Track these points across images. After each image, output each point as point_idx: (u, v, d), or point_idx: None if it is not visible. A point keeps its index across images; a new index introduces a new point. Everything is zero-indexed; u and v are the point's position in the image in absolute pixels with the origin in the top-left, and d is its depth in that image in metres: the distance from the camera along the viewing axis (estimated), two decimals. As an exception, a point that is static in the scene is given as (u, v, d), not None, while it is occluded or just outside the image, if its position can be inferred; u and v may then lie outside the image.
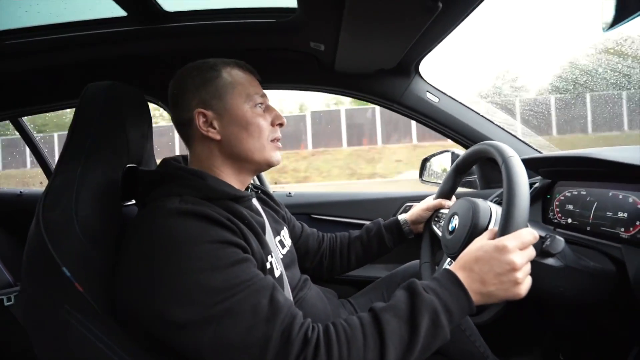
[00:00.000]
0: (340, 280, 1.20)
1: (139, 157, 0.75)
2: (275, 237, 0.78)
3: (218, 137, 0.67)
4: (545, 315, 1.04)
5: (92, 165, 0.64)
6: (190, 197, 0.59)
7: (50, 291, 0.56)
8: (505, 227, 0.57)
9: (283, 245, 0.81)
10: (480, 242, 0.59)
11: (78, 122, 0.67)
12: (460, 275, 0.56)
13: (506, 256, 0.54)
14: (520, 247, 0.55)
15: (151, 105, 0.95)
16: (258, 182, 1.45)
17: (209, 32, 0.90)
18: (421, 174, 1.38)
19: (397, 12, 0.66)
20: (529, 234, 0.56)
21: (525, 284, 0.55)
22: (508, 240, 0.55)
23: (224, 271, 0.51)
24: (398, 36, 0.75)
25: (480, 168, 1.22)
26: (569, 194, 0.85)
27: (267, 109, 0.72)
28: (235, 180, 0.71)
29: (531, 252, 0.57)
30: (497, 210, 0.72)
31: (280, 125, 0.73)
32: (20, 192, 1.53)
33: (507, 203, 0.58)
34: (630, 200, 0.69)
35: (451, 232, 0.76)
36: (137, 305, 0.52)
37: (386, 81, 1.08)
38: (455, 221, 0.77)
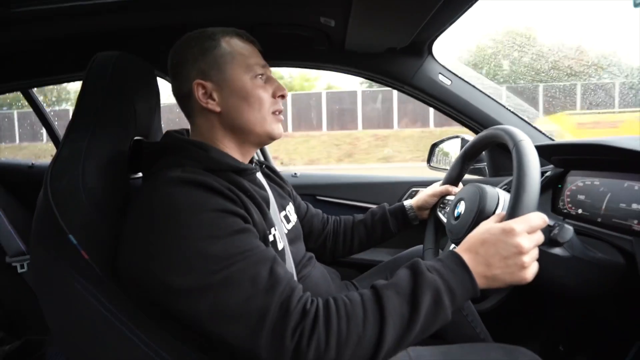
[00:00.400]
0: (344, 263, 1.21)
1: (146, 129, 0.75)
2: (280, 212, 0.78)
3: (218, 109, 0.66)
4: (548, 306, 1.03)
5: (99, 136, 0.64)
6: (192, 168, 0.59)
7: (58, 258, 0.57)
8: (514, 211, 0.56)
9: (288, 220, 0.81)
10: (487, 225, 0.57)
11: (86, 93, 0.67)
12: (465, 257, 0.54)
13: (513, 239, 0.53)
14: (528, 230, 0.54)
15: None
16: (262, 159, 1.44)
17: (218, 2, 0.88)
18: (429, 160, 1.35)
19: None
20: (538, 217, 0.55)
21: (531, 269, 0.54)
22: (516, 223, 0.54)
23: (223, 240, 0.51)
24: (411, 12, 0.72)
25: (490, 155, 1.19)
26: (581, 184, 0.82)
27: (268, 80, 0.70)
28: (237, 153, 0.70)
29: (539, 237, 0.55)
30: (505, 197, 0.70)
31: (282, 97, 0.71)
32: (32, 164, 1.56)
33: (517, 186, 0.57)
34: None
35: (457, 218, 0.75)
36: (138, 271, 0.53)
37: (397, 61, 1.04)
38: (461, 207, 0.75)
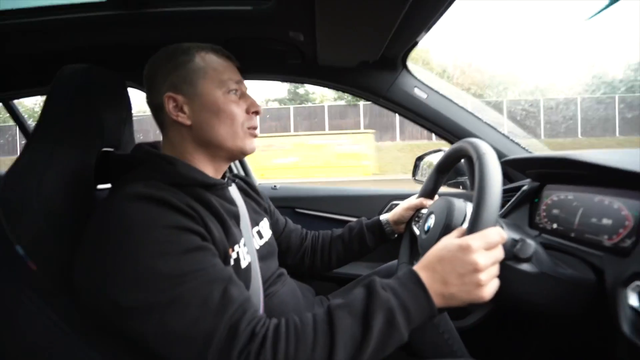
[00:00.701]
0: (322, 277, 1.19)
1: (116, 141, 0.75)
2: (253, 227, 0.77)
3: (188, 122, 0.66)
4: (530, 324, 1.00)
5: (63, 146, 0.63)
6: (157, 182, 0.58)
7: (3, 269, 0.56)
8: (473, 226, 0.54)
9: (261, 236, 0.79)
10: (446, 241, 0.56)
11: (51, 103, 0.67)
12: (422, 275, 0.53)
13: (469, 256, 0.51)
14: (485, 247, 0.52)
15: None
16: (243, 173, 1.44)
17: (189, 18, 0.88)
18: (414, 173, 1.34)
19: None
20: (496, 234, 0.53)
21: (489, 287, 0.52)
22: (472, 239, 0.52)
23: (175, 258, 0.50)
24: (374, 26, 0.72)
25: (470, 168, 1.18)
26: (556, 198, 0.81)
27: (243, 95, 0.70)
28: (209, 167, 0.69)
29: (497, 254, 0.53)
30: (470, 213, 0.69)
31: (256, 113, 0.71)
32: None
33: (477, 201, 0.55)
34: (616, 206, 0.65)
35: (427, 232, 0.74)
36: (87, 286, 0.52)
37: (372, 75, 1.05)
38: (430, 220, 0.74)
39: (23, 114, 1.39)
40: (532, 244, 0.58)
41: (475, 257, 0.51)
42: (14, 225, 0.55)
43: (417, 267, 0.55)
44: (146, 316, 0.48)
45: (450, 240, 0.55)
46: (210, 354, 0.46)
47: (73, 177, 0.63)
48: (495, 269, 0.53)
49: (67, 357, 0.55)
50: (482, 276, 0.51)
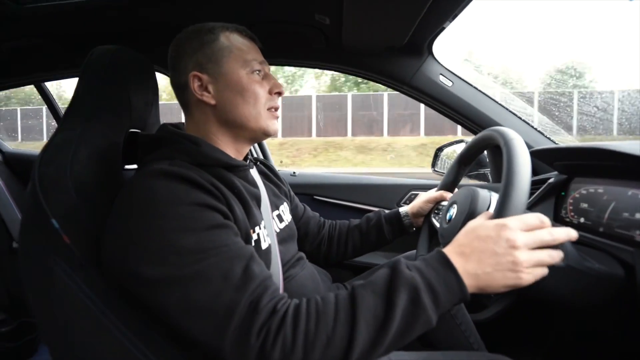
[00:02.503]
0: (339, 265, 1.19)
1: (142, 122, 0.77)
2: (273, 210, 0.78)
3: (213, 101, 0.66)
4: (549, 317, 0.99)
5: (93, 126, 0.66)
6: (181, 161, 0.60)
7: (40, 241, 0.58)
8: (502, 209, 0.52)
9: (281, 220, 0.80)
10: (476, 222, 0.54)
11: (82, 84, 0.69)
12: (451, 255, 0.50)
13: (505, 232, 0.49)
14: (523, 228, 0.50)
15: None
16: (262, 157, 1.45)
17: (215, 1, 0.89)
18: (434, 164, 1.33)
19: None
20: (534, 217, 0.51)
21: (530, 272, 0.48)
22: (509, 219, 0.50)
23: (198, 233, 0.51)
24: (404, 8, 0.71)
25: (493, 159, 1.15)
26: (584, 192, 0.78)
27: (266, 76, 0.71)
28: (231, 148, 0.70)
29: (541, 236, 0.50)
30: (497, 199, 0.68)
31: (279, 94, 0.71)
32: None
33: (505, 184, 0.54)
34: None
35: (448, 221, 0.73)
36: (115, 259, 0.53)
37: (396, 61, 1.02)
38: (453, 210, 0.73)
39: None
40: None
41: (512, 234, 0.48)
42: (50, 199, 0.58)
43: (446, 249, 0.53)
44: (168, 289, 0.48)
45: (481, 221, 0.53)
46: (231, 328, 0.46)
47: (103, 155, 0.65)
48: (538, 254, 0.49)
49: (96, 328, 0.57)
50: (521, 255, 0.48)
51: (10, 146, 1.71)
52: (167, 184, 0.54)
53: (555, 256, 0.51)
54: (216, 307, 0.48)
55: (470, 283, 0.49)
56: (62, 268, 0.57)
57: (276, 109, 0.71)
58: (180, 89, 0.69)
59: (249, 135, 0.71)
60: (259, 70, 0.69)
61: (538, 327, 1.02)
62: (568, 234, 0.52)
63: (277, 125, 0.72)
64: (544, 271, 0.50)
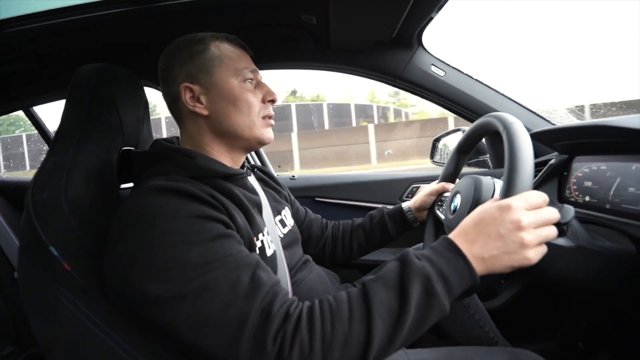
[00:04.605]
0: (346, 265, 1.18)
1: (135, 139, 0.75)
2: (275, 216, 0.77)
3: (205, 112, 0.65)
4: (563, 301, 0.98)
5: (85, 148, 0.64)
6: (177, 175, 0.59)
7: (41, 270, 0.57)
8: (507, 191, 0.52)
9: (284, 225, 0.79)
10: (481, 207, 0.53)
11: (70, 105, 0.68)
12: (458, 241, 0.50)
13: (510, 214, 0.49)
14: (526, 207, 0.49)
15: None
16: (259, 163, 1.44)
17: (200, 10, 0.88)
18: (432, 155, 1.32)
19: None
20: (537, 195, 0.50)
21: (536, 249, 0.49)
22: (512, 199, 0.50)
23: (201, 246, 0.50)
24: (390, 2, 0.70)
25: (492, 145, 1.15)
26: (587, 170, 0.77)
27: (258, 84, 0.70)
28: (227, 158, 0.69)
29: (544, 214, 0.50)
30: (501, 185, 0.67)
31: (272, 101, 0.70)
32: None
33: (509, 168, 0.53)
34: None
35: (453, 212, 0.72)
36: (118, 281, 0.52)
37: (387, 55, 1.02)
38: (457, 200, 0.73)
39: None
40: (571, 208, 0.55)
41: (517, 215, 0.48)
42: (46, 226, 0.56)
43: (452, 235, 0.53)
44: (176, 306, 0.47)
45: (485, 205, 0.53)
46: (245, 338, 0.45)
47: (97, 176, 0.64)
48: (543, 232, 0.50)
49: (104, 353, 0.56)
50: (527, 235, 0.48)
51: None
52: (164, 199, 0.53)
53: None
54: (227, 318, 0.47)
55: (478, 266, 0.49)
56: (65, 295, 0.56)
57: (270, 117, 0.70)
58: (172, 101, 0.68)
59: (244, 145, 0.70)
60: (251, 79, 0.68)
61: (551, 313, 1.01)
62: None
63: (271, 133, 0.71)
64: (544, 248, 0.50)
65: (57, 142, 0.66)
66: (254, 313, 0.47)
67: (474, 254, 0.49)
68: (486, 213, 0.51)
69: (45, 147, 1.56)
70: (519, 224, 0.48)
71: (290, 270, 0.74)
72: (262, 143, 0.70)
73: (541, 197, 0.51)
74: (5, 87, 1.14)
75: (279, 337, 0.46)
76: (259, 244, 0.63)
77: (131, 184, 0.77)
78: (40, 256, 0.56)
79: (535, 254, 0.49)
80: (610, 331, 0.88)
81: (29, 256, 0.58)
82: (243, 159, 0.74)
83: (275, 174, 1.31)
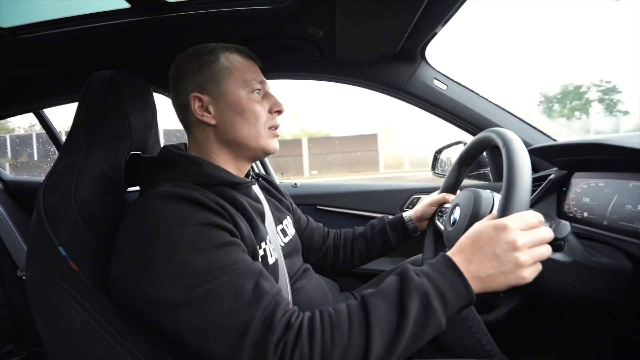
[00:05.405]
0: (346, 273, 1.19)
1: (142, 144, 0.77)
2: (277, 225, 0.78)
3: (213, 122, 0.67)
4: (561, 316, 0.98)
5: (94, 152, 0.66)
6: (185, 182, 0.60)
7: (48, 270, 0.58)
8: (504, 209, 0.53)
9: (285, 234, 0.80)
10: (478, 226, 0.55)
11: (82, 110, 0.70)
12: (456, 259, 0.52)
13: (505, 234, 0.50)
14: (522, 227, 0.51)
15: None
16: (263, 172, 1.45)
17: (210, 20, 0.90)
18: (433, 167, 1.33)
19: None
20: (533, 215, 0.52)
21: (531, 268, 0.50)
22: (508, 219, 0.51)
23: (206, 253, 0.51)
24: (395, 17, 0.72)
25: (493, 159, 1.16)
26: (585, 186, 0.78)
27: (266, 95, 0.71)
28: (232, 166, 0.71)
29: (539, 234, 0.51)
30: (499, 199, 0.68)
31: (279, 112, 0.72)
32: None
33: (507, 185, 0.54)
34: None
35: (452, 224, 0.73)
36: (124, 284, 0.53)
37: (391, 68, 1.04)
38: (456, 213, 0.74)
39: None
40: (567, 224, 0.56)
41: (512, 236, 0.49)
42: (55, 227, 0.58)
43: (450, 252, 0.54)
44: (181, 311, 0.48)
45: (482, 224, 0.54)
46: (246, 346, 0.46)
47: (106, 180, 0.66)
48: (538, 251, 0.51)
49: (108, 353, 0.57)
50: (522, 256, 0.49)
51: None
52: (172, 205, 0.54)
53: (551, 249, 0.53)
54: (230, 325, 0.48)
55: (474, 285, 0.50)
56: (71, 295, 0.57)
57: (276, 128, 0.72)
58: (181, 109, 0.70)
59: (250, 155, 0.71)
60: (259, 90, 0.70)
61: (550, 327, 1.01)
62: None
63: (277, 143, 0.72)
64: (539, 267, 0.52)
65: (68, 146, 0.68)
66: (256, 322, 0.48)
67: (471, 273, 0.50)
68: (483, 233, 0.52)
69: (53, 149, 1.59)
70: (515, 244, 0.49)
71: (290, 279, 0.74)
72: (267, 153, 0.71)
73: (537, 217, 0.52)
74: (19, 90, 1.16)
75: (280, 346, 0.47)
76: (261, 252, 0.64)
77: (137, 187, 0.79)
78: (49, 256, 0.58)
79: (530, 273, 0.50)
80: (608, 347, 0.88)
81: (37, 255, 0.59)
82: (248, 167, 0.75)
83: (278, 182, 1.33)
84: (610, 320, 0.79)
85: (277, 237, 0.75)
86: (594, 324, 0.90)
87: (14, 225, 1.40)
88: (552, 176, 0.88)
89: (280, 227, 0.80)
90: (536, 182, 0.92)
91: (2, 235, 1.38)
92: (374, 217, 1.02)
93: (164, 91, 1.15)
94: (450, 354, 0.88)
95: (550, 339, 1.03)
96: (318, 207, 1.34)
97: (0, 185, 1.55)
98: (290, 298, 0.71)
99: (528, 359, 1.02)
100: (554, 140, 1.04)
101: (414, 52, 1.00)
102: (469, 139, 1.14)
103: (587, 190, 0.78)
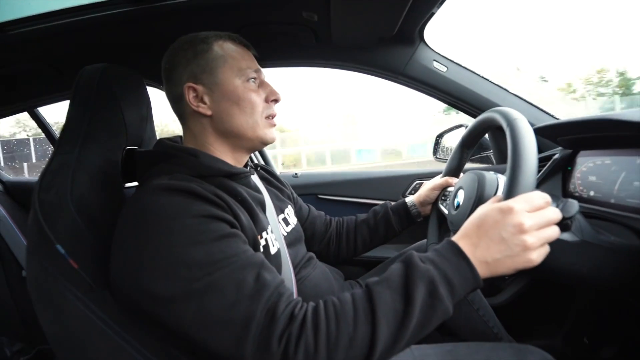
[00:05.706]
0: (349, 261, 1.19)
1: (138, 138, 0.76)
2: (278, 214, 0.77)
3: (209, 112, 0.66)
4: (568, 296, 0.98)
5: (89, 147, 0.65)
6: (182, 174, 0.59)
7: (48, 268, 0.57)
8: (510, 191, 0.51)
9: (287, 223, 0.80)
10: (483, 209, 0.53)
11: (74, 105, 0.68)
12: (462, 244, 0.50)
13: (512, 217, 0.48)
14: (528, 209, 0.49)
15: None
16: (262, 162, 1.44)
17: (201, 8, 0.88)
18: (435, 151, 1.32)
19: None
20: (539, 196, 0.50)
21: (538, 251, 0.49)
22: (514, 201, 0.50)
23: (206, 245, 0.50)
24: (391, -3, 0.70)
25: (495, 141, 1.14)
26: (591, 165, 0.77)
27: (262, 84, 0.70)
28: (230, 157, 0.69)
29: (546, 215, 0.50)
30: (504, 181, 0.67)
31: (275, 101, 0.70)
32: None
33: (512, 166, 0.53)
34: None
35: (457, 208, 0.72)
36: (124, 279, 0.53)
37: (389, 51, 1.01)
38: (460, 196, 0.72)
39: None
40: (575, 202, 0.54)
41: (519, 218, 0.48)
42: (52, 225, 0.57)
43: (455, 237, 0.53)
44: (183, 305, 0.48)
45: (487, 207, 0.53)
46: (250, 338, 0.46)
47: (102, 175, 0.65)
48: (544, 233, 0.49)
49: (113, 349, 0.57)
50: (529, 238, 0.48)
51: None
52: (170, 198, 0.53)
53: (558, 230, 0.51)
54: (233, 318, 0.47)
55: (481, 270, 0.49)
56: (73, 293, 0.57)
57: (274, 117, 0.70)
58: (176, 100, 0.68)
59: (247, 145, 0.70)
60: (255, 78, 0.68)
61: (557, 308, 1.01)
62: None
63: (274, 133, 0.71)
64: (547, 248, 0.50)
65: (62, 142, 0.66)
66: (259, 313, 0.47)
67: (477, 258, 0.49)
68: (488, 216, 0.51)
69: (51, 148, 1.58)
70: (521, 227, 0.48)
71: (294, 268, 0.74)
72: (265, 143, 0.70)
73: (543, 198, 0.50)
74: (10, 89, 1.15)
75: (284, 337, 0.46)
76: (262, 242, 0.63)
77: (135, 183, 0.78)
78: (48, 254, 0.57)
79: (538, 256, 0.49)
80: (615, 326, 0.88)
81: (36, 254, 0.59)
82: (246, 158, 0.74)
83: (278, 173, 1.32)
84: (616, 298, 0.79)
85: (279, 227, 0.74)
86: (599, 303, 0.90)
87: (16, 226, 1.40)
88: (556, 155, 0.87)
89: (281, 216, 0.79)
90: (540, 162, 0.90)
91: (5, 237, 1.38)
92: (376, 204, 1.02)
93: (158, 84, 1.13)
94: (457, 337, 0.88)
95: (556, 320, 1.03)
96: (320, 196, 1.34)
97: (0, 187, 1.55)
98: (294, 287, 0.71)
99: (535, 340, 1.02)
100: (557, 119, 1.02)
101: (412, 34, 0.97)
102: (470, 122, 1.12)
103: (593, 169, 0.76)
